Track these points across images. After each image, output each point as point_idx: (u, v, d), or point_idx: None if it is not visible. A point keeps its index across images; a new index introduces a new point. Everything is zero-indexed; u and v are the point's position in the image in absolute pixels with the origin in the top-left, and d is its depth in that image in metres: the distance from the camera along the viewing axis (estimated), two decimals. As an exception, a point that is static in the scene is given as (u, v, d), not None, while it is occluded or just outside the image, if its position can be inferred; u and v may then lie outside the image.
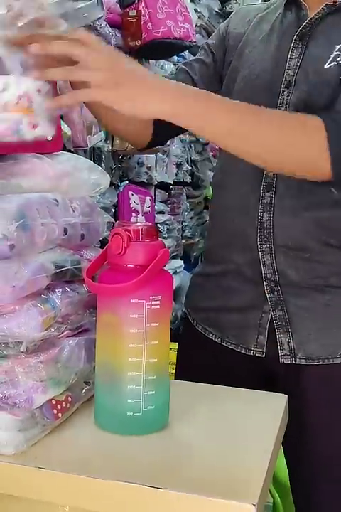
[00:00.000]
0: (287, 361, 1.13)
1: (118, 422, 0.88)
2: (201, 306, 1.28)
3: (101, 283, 0.89)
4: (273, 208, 1.13)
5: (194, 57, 1.37)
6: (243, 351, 1.18)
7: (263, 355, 1.16)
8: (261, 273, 1.14)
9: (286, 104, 1.14)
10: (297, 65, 1.15)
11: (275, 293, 1.14)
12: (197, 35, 3.25)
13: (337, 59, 1.10)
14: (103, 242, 1.99)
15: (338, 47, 1.11)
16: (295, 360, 1.13)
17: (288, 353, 1.13)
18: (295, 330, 1.13)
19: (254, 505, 0.70)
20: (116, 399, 0.88)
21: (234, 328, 1.19)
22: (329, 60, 1.10)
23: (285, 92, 1.14)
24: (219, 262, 1.23)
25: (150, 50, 2.57)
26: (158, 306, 0.87)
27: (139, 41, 2.45)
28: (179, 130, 1.08)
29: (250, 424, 0.93)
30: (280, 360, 1.14)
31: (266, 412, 0.98)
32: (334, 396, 1.13)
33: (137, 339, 0.86)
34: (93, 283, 0.90)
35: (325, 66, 1.11)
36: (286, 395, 1.03)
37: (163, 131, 1.20)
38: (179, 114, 0.92)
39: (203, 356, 1.24)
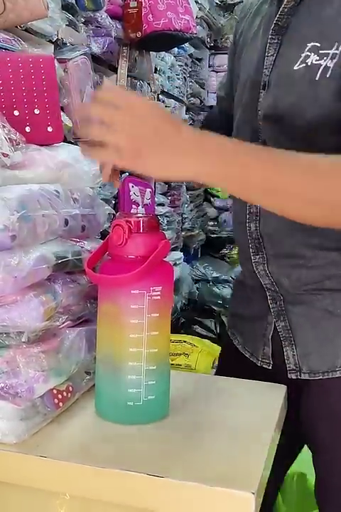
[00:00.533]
0: (294, 376, 1.08)
1: (119, 412, 0.89)
2: (230, 311, 1.30)
3: (102, 274, 0.90)
4: (259, 217, 1.08)
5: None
6: (254, 361, 1.15)
7: (270, 367, 1.12)
8: (261, 283, 1.11)
9: (260, 112, 1.07)
10: (271, 64, 1.06)
11: (278, 303, 1.10)
12: (197, 26, 3.25)
13: (307, 61, 0.98)
14: (103, 234, 1.99)
15: (309, 45, 0.99)
16: (300, 375, 1.08)
17: (294, 368, 1.08)
18: (298, 342, 1.08)
19: (253, 493, 0.71)
20: (117, 388, 0.89)
21: (248, 337, 1.18)
22: (299, 61, 0.99)
23: (261, 95, 1.07)
24: (241, 270, 1.23)
25: (150, 42, 2.56)
26: (158, 297, 0.87)
27: (140, 33, 2.44)
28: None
29: (249, 414, 0.94)
30: (288, 376, 1.09)
31: (265, 402, 0.99)
32: (334, 411, 1.06)
33: (138, 329, 0.87)
34: (94, 274, 0.91)
35: (295, 67, 1.00)
36: (285, 386, 1.04)
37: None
38: (208, 176, 0.85)
39: (230, 361, 1.24)
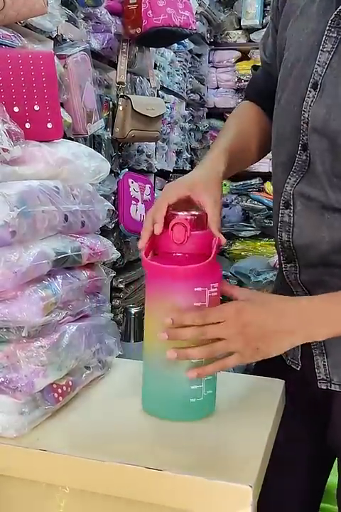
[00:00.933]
0: (324, 386, 1.04)
1: (180, 408, 0.89)
2: None
3: (150, 272, 0.91)
4: (292, 228, 1.02)
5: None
6: (284, 356, 1.11)
7: (298, 368, 1.08)
8: (293, 291, 1.06)
9: (307, 115, 0.96)
10: (326, 62, 0.94)
11: None
12: (197, 22, 3.25)
13: None
14: (103, 230, 1.99)
15: None
16: (331, 386, 1.03)
17: (325, 378, 1.04)
18: (329, 352, 1.03)
19: (251, 486, 0.72)
20: (177, 385, 0.89)
21: None
22: None
23: (310, 95, 0.96)
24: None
25: (150, 38, 2.56)
26: (215, 293, 0.89)
27: (139, 29, 2.44)
28: None
29: (248, 408, 0.95)
30: (318, 385, 1.04)
31: (264, 396, 0.99)
32: None
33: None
34: (163, 266, 0.88)
35: None
36: (283, 381, 1.05)
37: None
38: (318, 339, 0.96)
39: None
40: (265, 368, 1.08)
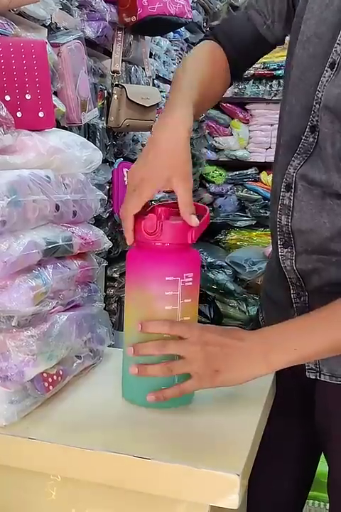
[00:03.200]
0: (312, 376, 1.04)
1: (126, 391, 0.91)
2: (262, 283, 1.27)
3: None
4: (292, 211, 1.01)
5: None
6: None
7: None
8: (286, 277, 1.06)
9: (321, 95, 0.95)
10: None
11: (302, 299, 1.05)
12: (193, 11, 3.23)
13: None
14: (97, 219, 1.99)
15: None
16: (320, 376, 1.04)
17: (314, 368, 1.04)
18: None
19: (238, 475, 0.72)
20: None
21: (271, 319, 1.11)
22: None
23: (327, 75, 0.94)
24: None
25: (145, 26, 2.54)
26: (190, 283, 0.89)
27: (134, 17, 2.43)
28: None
29: (237, 397, 0.95)
30: (307, 375, 1.05)
31: (253, 386, 0.99)
32: None
33: (172, 316, 0.89)
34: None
35: None
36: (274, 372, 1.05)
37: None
38: (277, 368, 0.92)
39: None
40: None
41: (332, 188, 0.95)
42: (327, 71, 0.94)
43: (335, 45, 0.93)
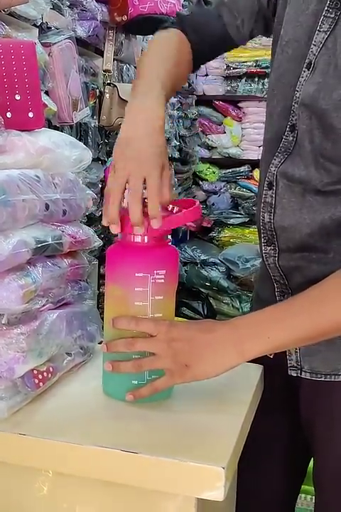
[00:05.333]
0: (294, 374, 1.05)
1: (125, 390, 0.91)
2: (254, 283, 1.27)
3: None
4: (274, 209, 1.02)
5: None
6: None
7: (271, 356, 1.05)
8: (270, 275, 1.07)
9: (299, 95, 0.97)
10: (321, 42, 0.94)
11: (286, 296, 1.05)
12: (185, 9, 3.24)
13: None
14: (89, 217, 1.99)
15: None
16: (301, 373, 1.05)
17: (296, 365, 1.05)
18: None
19: (223, 468, 0.74)
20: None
21: None
22: None
23: (304, 75, 0.97)
24: None
25: (136, 26, 2.56)
26: (162, 280, 0.90)
27: (125, 16, 2.44)
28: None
29: (225, 392, 0.96)
30: (288, 372, 1.06)
31: (241, 381, 1.01)
32: (333, 411, 1.04)
33: (142, 312, 0.90)
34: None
35: None
36: (262, 366, 1.06)
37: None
38: (249, 357, 0.90)
39: None
40: None
41: (311, 183, 0.97)
42: (304, 71, 0.97)
43: (311, 46, 0.96)
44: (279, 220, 1.02)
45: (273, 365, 1.07)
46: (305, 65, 0.97)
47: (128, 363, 0.89)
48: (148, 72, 1.01)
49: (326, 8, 0.94)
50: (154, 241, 0.90)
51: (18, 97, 1.00)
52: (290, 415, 1.11)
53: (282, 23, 1.03)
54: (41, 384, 0.91)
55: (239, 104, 4.25)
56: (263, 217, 1.04)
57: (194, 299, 3.79)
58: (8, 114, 0.98)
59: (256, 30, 1.13)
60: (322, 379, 1.03)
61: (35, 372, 0.91)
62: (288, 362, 1.05)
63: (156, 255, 0.90)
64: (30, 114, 1.01)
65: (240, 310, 3.77)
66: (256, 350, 0.89)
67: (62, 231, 1.00)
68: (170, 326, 0.89)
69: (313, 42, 0.95)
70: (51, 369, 0.94)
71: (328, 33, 0.94)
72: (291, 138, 1.00)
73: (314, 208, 0.98)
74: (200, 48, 1.13)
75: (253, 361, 1.06)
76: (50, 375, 0.94)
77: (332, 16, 0.94)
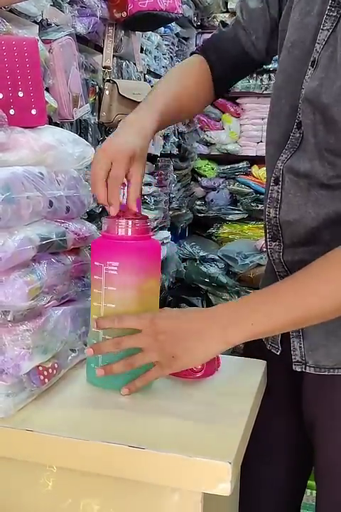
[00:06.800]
0: (298, 369, 1.06)
1: (89, 374, 0.97)
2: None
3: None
4: (280, 204, 1.04)
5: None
6: (265, 342, 1.13)
7: (278, 353, 1.09)
8: (275, 270, 1.08)
9: (303, 91, 0.99)
10: (324, 40, 0.96)
11: None
12: (184, 5, 3.24)
13: None
14: (89, 214, 1.99)
15: None
16: (305, 368, 1.05)
17: (300, 360, 1.05)
18: (306, 335, 1.04)
19: (230, 463, 0.74)
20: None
21: None
22: None
23: (309, 73, 0.98)
24: None
25: (136, 22, 2.55)
26: (115, 272, 0.92)
27: (125, 13, 2.43)
28: (240, 76, 1.15)
29: (229, 388, 0.97)
30: (293, 367, 1.06)
31: (245, 377, 1.02)
32: (335, 405, 1.04)
33: (97, 299, 0.95)
34: None
35: None
36: (265, 361, 1.07)
37: (226, 86, 1.22)
38: (234, 343, 0.90)
39: None
40: (251, 355, 1.12)
41: (316, 177, 0.98)
42: (309, 69, 0.99)
43: (315, 44, 0.98)
44: (284, 214, 1.04)
45: (276, 362, 1.08)
46: (310, 63, 0.99)
47: (119, 364, 0.91)
48: (151, 94, 1.09)
49: (328, 7, 0.97)
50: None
51: (21, 94, 1.00)
52: (294, 413, 1.12)
53: (286, 29, 1.05)
54: (46, 380, 0.91)
55: (238, 101, 4.24)
56: (269, 212, 1.06)
57: (193, 295, 3.79)
58: (11, 111, 0.99)
59: (273, 46, 1.15)
60: (326, 373, 1.03)
61: (41, 368, 0.91)
62: (293, 357, 1.06)
63: (110, 247, 0.94)
64: (33, 111, 1.02)
65: (239, 306, 3.78)
66: (239, 337, 0.89)
67: (66, 228, 1.00)
68: (154, 318, 0.91)
69: (317, 40, 0.97)
70: (56, 365, 0.95)
71: (330, 30, 0.96)
72: (298, 134, 1.01)
73: (319, 202, 0.99)
74: (221, 70, 1.17)
75: (257, 357, 1.07)
76: (54, 371, 0.94)
77: (334, 14, 0.96)
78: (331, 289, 0.88)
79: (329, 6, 0.96)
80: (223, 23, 1.22)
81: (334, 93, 0.93)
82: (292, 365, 1.06)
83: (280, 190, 1.04)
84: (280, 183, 1.04)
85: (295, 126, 1.01)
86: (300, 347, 1.05)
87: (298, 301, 0.88)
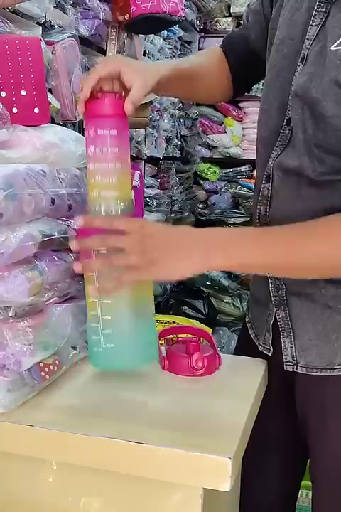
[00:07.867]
0: (290, 369, 1.05)
1: (91, 356, 0.98)
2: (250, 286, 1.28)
3: None
4: (270, 201, 1.04)
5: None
6: (256, 343, 1.12)
7: (270, 354, 1.09)
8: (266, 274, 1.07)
9: (293, 84, 0.99)
10: (313, 36, 0.97)
11: (280, 292, 1.06)
12: (187, 9, 3.25)
13: None
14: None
15: None
16: (297, 368, 1.05)
17: (291, 360, 1.05)
18: (297, 335, 1.04)
19: (230, 458, 0.75)
20: (89, 335, 0.97)
21: (255, 318, 1.16)
22: (339, 40, 0.90)
23: (299, 68, 0.99)
24: None
25: (139, 25, 2.55)
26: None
27: (128, 15, 2.44)
28: (259, 75, 1.15)
29: (230, 384, 0.97)
30: (284, 367, 1.06)
31: (246, 374, 1.02)
32: (326, 406, 1.03)
33: (91, 281, 0.93)
34: None
35: (332, 47, 0.91)
36: (266, 361, 1.07)
37: (243, 82, 1.25)
38: (213, 267, 0.92)
39: (242, 336, 1.24)
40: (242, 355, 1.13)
41: (305, 174, 0.98)
42: (299, 66, 0.99)
43: (304, 40, 0.98)
44: (275, 212, 1.04)
45: (270, 364, 1.08)
46: (299, 60, 0.99)
47: (97, 261, 0.91)
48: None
49: (318, 3, 0.97)
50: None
51: (23, 93, 1.01)
52: (288, 414, 1.11)
53: (276, 27, 1.07)
54: (47, 377, 0.92)
55: (240, 104, 4.24)
56: (260, 210, 1.06)
57: (195, 298, 3.79)
58: (14, 110, 0.99)
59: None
60: (318, 373, 1.03)
61: (42, 365, 0.91)
62: (284, 357, 1.06)
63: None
64: (36, 110, 1.02)
65: (241, 309, 3.78)
66: (221, 263, 0.90)
67: (68, 225, 1.01)
68: (145, 222, 0.92)
69: (306, 36, 0.98)
70: (57, 362, 0.95)
71: (320, 26, 0.96)
72: (287, 131, 1.01)
73: (308, 200, 0.99)
74: (235, 67, 1.22)
75: (256, 356, 1.07)
76: (56, 368, 0.94)
77: (324, 9, 0.96)
78: (335, 241, 0.88)
79: (318, 1, 0.97)
80: (239, 25, 1.27)
81: (323, 88, 0.92)
82: (283, 366, 1.06)
83: (270, 188, 1.04)
84: (270, 180, 1.04)
85: (284, 123, 1.02)
86: (292, 347, 1.05)
87: (297, 246, 0.89)
